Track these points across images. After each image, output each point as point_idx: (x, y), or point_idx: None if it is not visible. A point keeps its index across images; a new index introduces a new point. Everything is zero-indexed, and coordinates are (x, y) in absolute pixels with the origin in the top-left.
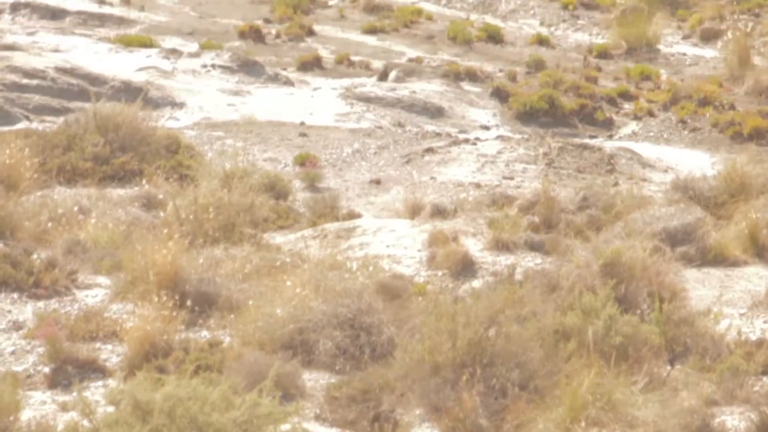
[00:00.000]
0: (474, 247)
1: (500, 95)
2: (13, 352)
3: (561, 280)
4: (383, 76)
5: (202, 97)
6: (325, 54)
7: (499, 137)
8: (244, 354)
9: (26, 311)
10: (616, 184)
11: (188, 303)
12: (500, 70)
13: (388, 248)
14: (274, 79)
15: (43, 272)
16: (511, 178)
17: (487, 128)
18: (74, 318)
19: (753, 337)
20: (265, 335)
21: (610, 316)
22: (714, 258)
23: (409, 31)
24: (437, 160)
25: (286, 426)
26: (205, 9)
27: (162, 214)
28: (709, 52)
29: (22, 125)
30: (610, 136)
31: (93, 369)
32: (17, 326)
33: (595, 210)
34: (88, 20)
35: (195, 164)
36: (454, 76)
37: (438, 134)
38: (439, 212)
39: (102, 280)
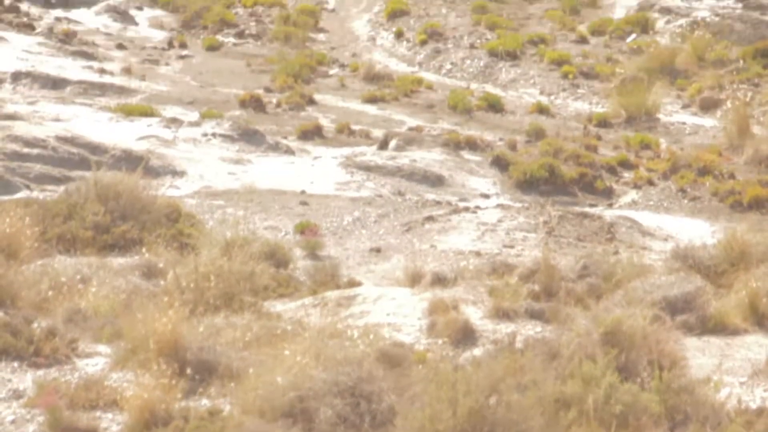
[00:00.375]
0: (474, 315)
1: (500, 164)
2: (13, 421)
3: (561, 349)
4: (383, 145)
5: (202, 166)
6: (326, 123)
7: (500, 206)
8: (245, 422)
9: (26, 380)
10: (616, 252)
11: (188, 371)
12: (500, 139)
13: (388, 316)
14: (275, 147)
15: (43, 341)
16: (512, 247)
17: (487, 197)
18: (74, 386)
19: (753, 406)
20: (266, 403)
21: (611, 385)
22: (714, 326)
23: (410, 100)
24: (437, 228)
25: None
26: (205, 78)
27: (162, 282)
28: (708, 122)
29: (22, 194)
30: (610, 205)
31: None
32: (17, 395)
33: (596, 278)
34: (89, 90)
35: (195, 233)
36: (455, 144)
37: (438, 203)
38: (439, 280)
39: (102, 348)
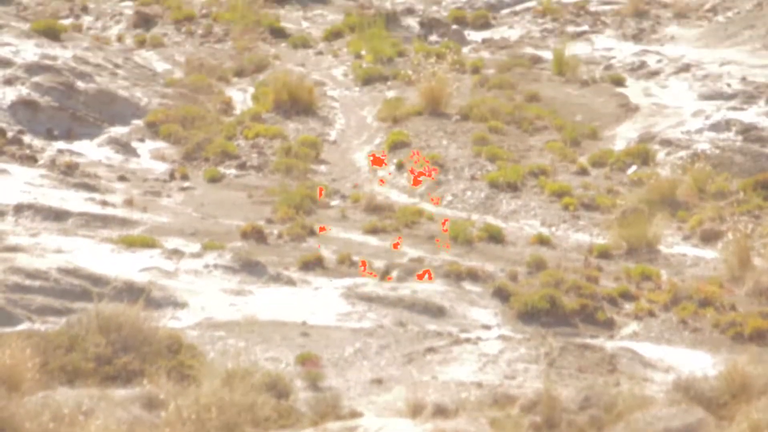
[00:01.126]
0: None
1: (501, 295)
2: None
3: None
4: (384, 276)
5: (204, 297)
6: (327, 254)
7: (501, 337)
8: None
9: None
10: (617, 384)
11: None
12: (501, 270)
13: None
14: (276, 279)
15: None
16: (513, 378)
17: (488, 328)
18: None
19: None
20: None
21: None
22: None
23: (411, 231)
24: (439, 359)
25: None
26: (207, 210)
27: (164, 414)
28: (709, 253)
29: (24, 326)
30: (611, 336)
31: None
32: None
33: (597, 410)
34: (91, 222)
35: (197, 364)
36: (456, 276)
37: (439, 334)
38: (440, 412)
39: None
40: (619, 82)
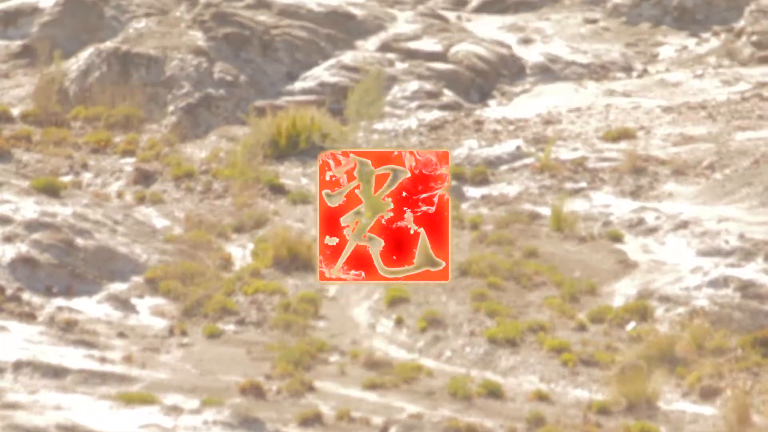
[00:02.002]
0: None
1: None
2: None
3: None
4: None
5: None
6: (326, 410)
7: None
8: None
9: None
10: None
11: None
12: (500, 426)
13: None
14: None
15: None
16: None
17: None
18: None
19: None
20: None
21: None
22: None
23: (410, 387)
24: None
25: None
26: (206, 366)
27: None
28: (708, 410)
29: None
30: None
31: None
32: None
33: None
34: (90, 378)
35: None
36: None
37: None
38: None
39: None
40: (617, 238)
